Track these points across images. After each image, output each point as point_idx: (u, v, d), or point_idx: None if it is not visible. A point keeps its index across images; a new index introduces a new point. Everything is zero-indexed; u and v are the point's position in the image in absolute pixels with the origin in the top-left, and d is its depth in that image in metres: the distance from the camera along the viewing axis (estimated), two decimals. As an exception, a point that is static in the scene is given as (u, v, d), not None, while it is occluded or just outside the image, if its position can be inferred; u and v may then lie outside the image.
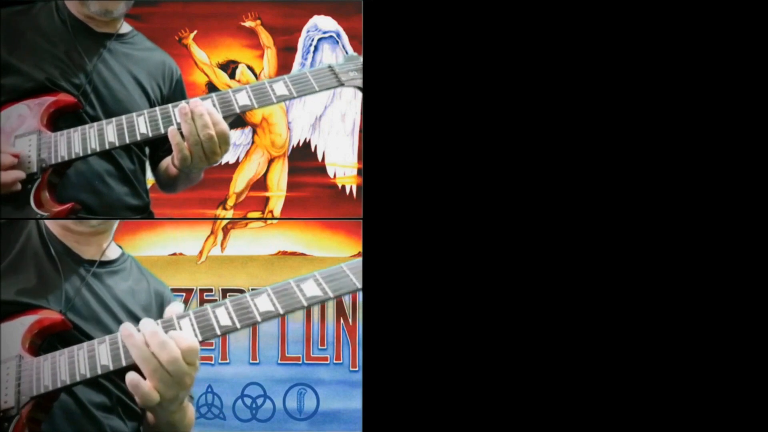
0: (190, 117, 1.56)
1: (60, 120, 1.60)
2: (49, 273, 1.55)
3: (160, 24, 1.70)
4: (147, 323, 1.42)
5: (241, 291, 1.69)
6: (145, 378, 1.39)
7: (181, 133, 1.57)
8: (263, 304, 1.44)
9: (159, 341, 1.40)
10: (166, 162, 1.65)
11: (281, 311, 1.44)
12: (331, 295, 1.44)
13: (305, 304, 1.44)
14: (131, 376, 1.39)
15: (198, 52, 1.71)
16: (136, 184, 1.65)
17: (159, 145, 1.65)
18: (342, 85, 1.64)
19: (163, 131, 1.59)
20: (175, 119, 1.59)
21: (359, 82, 1.65)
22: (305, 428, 1.68)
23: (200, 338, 1.43)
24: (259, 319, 1.43)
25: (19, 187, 1.56)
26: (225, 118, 1.60)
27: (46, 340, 1.50)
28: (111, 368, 1.43)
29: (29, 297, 1.53)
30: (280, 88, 1.62)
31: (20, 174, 1.56)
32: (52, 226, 1.59)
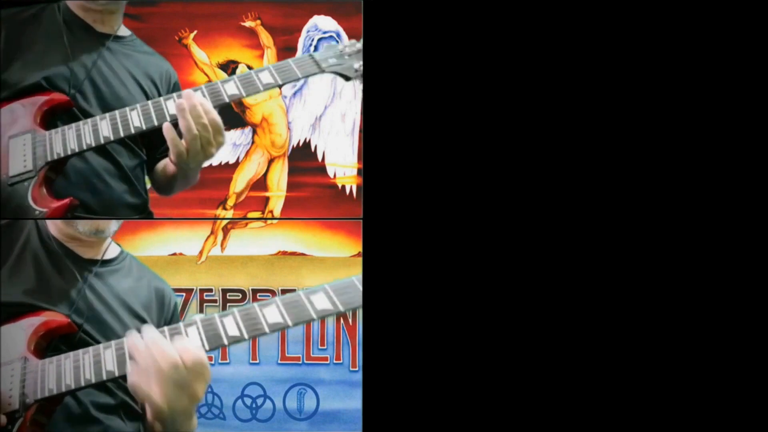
0: (186, 111, 1.56)
1: (54, 119, 1.59)
2: (50, 274, 1.55)
3: (160, 24, 1.70)
4: (149, 330, 1.41)
5: (242, 291, 1.69)
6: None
7: (177, 129, 1.57)
8: (272, 315, 1.43)
9: (160, 350, 1.38)
10: (163, 163, 1.65)
11: (290, 323, 1.42)
12: (341, 308, 1.43)
13: (315, 317, 1.42)
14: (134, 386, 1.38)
15: (198, 52, 1.71)
16: (135, 182, 1.65)
17: (156, 147, 1.65)
18: (323, 71, 1.64)
19: (156, 123, 1.58)
20: (168, 112, 1.58)
21: (339, 68, 1.64)
22: (305, 428, 1.68)
23: (207, 347, 1.42)
24: (267, 330, 1.42)
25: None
26: (215, 107, 1.60)
27: (51, 343, 1.49)
28: (116, 374, 1.43)
29: (32, 298, 1.52)
30: (265, 76, 1.62)
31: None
32: (51, 227, 1.58)
